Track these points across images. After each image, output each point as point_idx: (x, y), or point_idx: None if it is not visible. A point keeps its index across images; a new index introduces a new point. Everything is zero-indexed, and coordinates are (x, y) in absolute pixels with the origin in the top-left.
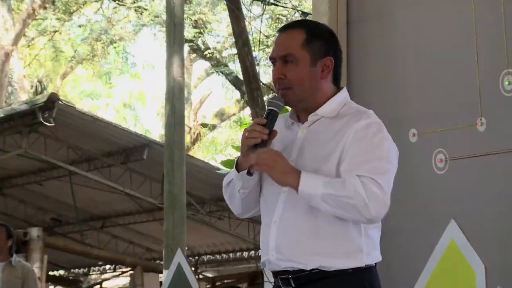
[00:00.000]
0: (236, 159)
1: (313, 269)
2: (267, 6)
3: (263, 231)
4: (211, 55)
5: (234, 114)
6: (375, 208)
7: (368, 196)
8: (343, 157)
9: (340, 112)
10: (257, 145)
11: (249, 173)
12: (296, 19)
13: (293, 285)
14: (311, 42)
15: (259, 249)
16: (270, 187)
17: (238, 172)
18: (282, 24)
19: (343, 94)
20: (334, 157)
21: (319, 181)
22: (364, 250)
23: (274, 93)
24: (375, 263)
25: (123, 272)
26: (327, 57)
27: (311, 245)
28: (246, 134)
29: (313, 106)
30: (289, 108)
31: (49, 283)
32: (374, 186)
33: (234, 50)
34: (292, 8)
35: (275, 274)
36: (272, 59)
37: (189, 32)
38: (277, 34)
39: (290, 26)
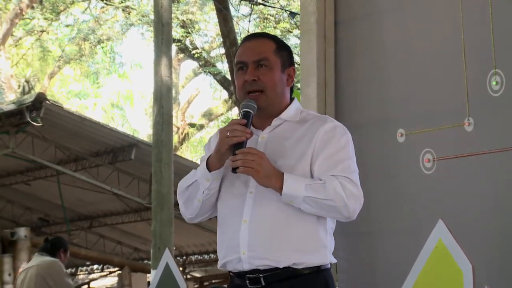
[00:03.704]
0: (206, 159)
1: (285, 267)
2: (255, 6)
3: (227, 232)
4: (199, 55)
5: (222, 114)
6: (353, 206)
7: (347, 196)
8: (315, 157)
9: (301, 118)
10: (236, 145)
11: (235, 171)
12: (285, 17)
13: (263, 284)
14: (280, 50)
15: None
16: (232, 189)
17: (210, 171)
18: (270, 24)
19: (297, 102)
20: (306, 157)
21: (301, 184)
22: (328, 247)
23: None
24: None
25: (110, 272)
26: (291, 66)
27: (284, 242)
28: (228, 134)
29: (277, 112)
30: None
31: None
32: (350, 185)
33: (222, 50)
34: (280, 8)
35: (243, 274)
36: (242, 63)
37: (177, 32)
38: (244, 42)
39: (258, 35)
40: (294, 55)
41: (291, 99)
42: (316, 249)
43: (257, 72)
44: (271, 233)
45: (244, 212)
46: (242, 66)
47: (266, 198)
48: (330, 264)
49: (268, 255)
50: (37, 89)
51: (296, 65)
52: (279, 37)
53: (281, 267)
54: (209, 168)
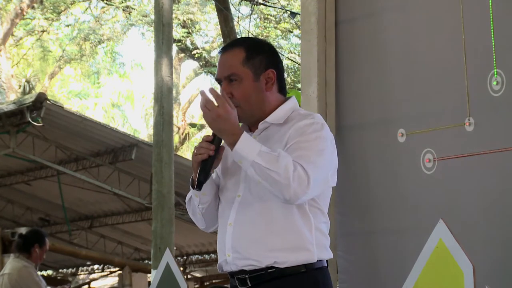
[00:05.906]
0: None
1: (268, 267)
2: (255, 6)
3: (219, 234)
4: (199, 55)
5: None
6: (295, 190)
7: (294, 177)
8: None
9: (288, 118)
10: (205, 160)
11: (199, 188)
12: (285, 17)
13: (250, 285)
14: (251, 58)
15: None
16: (226, 194)
17: (194, 188)
18: (271, 24)
19: (291, 102)
20: None
21: (255, 148)
22: (314, 244)
23: None
24: (327, 263)
25: (111, 272)
26: (269, 69)
27: (266, 242)
28: (195, 151)
29: (263, 117)
30: None
31: None
32: (302, 171)
33: None
34: (281, 8)
35: (232, 274)
36: (218, 80)
37: (177, 32)
38: (219, 56)
39: (229, 46)
40: (294, 55)
41: (287, 99)
42: (300, 247)
43: (230, 87)
44: (252, 234)
45: (230, 215)
46: (219, 82)
47: (250, 201)
48: (327, 262)
49: (250, 255)
50: (38, 89)
51: (296, 65)
52: (267, 38)
53: (263, 266)
54: (193, 185)
